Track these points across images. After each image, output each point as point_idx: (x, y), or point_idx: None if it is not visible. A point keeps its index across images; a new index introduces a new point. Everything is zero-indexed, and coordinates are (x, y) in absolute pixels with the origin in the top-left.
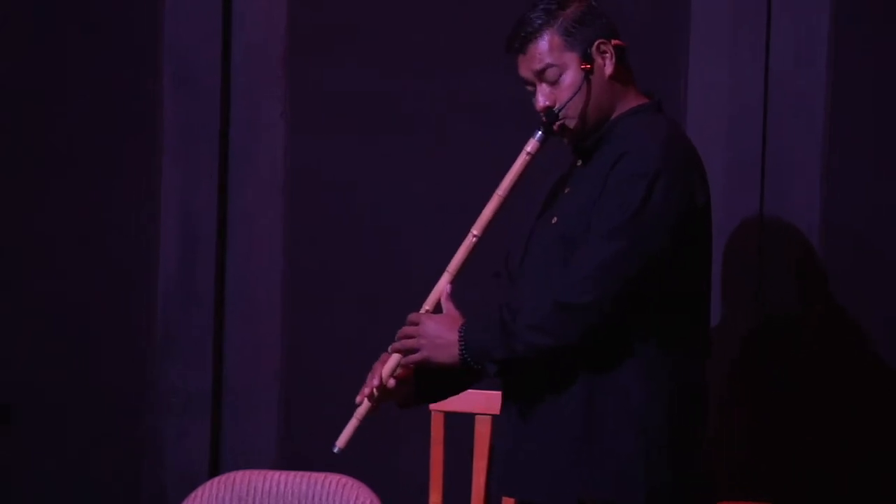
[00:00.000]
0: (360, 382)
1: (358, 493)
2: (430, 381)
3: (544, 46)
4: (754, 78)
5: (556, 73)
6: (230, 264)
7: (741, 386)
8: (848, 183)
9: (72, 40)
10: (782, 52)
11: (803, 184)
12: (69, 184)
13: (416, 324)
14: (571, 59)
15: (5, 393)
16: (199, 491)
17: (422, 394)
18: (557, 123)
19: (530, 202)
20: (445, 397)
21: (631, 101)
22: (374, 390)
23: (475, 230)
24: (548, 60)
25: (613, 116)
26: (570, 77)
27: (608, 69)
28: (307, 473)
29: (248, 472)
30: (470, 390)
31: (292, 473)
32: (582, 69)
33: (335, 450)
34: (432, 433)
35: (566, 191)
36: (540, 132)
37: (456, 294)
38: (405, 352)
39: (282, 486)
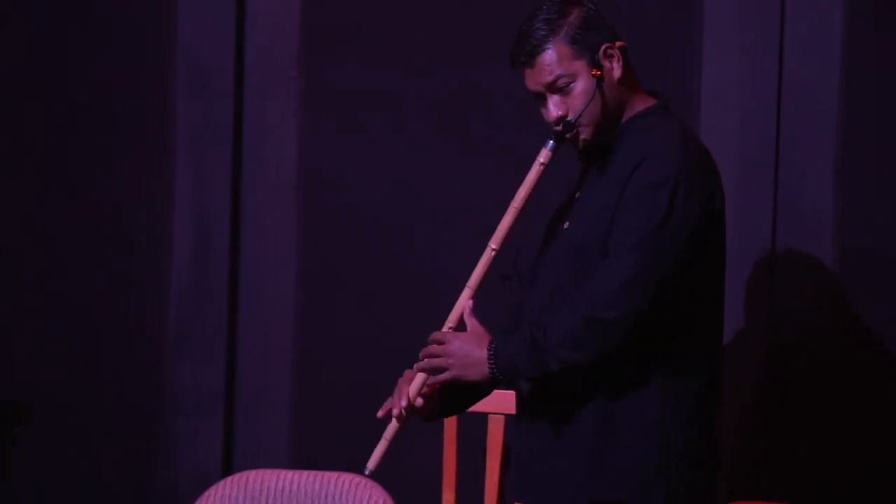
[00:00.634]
0: (373, 382)
1: (371, 493)
2: (453, 395)
3: (552, 57)
4: (768, 76)
5: (566, 82)
6: (243, 264)
7: (754, 386)
8: (862, 181)
9: (86, 41)
10: (796, 50)
11: (817, 182)
12: (82, 184)
13: (442, 342)
14: (581, 66)
15: (18, 391)
16: (212, 490)
17: (446, 408)
18: (571, 133)
19: (534, 205)
20: (467, 409)
21: (639, 103)
22: (403, 410)
23: (493, 244)
24: (558, 72)
25: (623, 119)
26: (582, 85)
27: (616, 73)
28: (320, 473)
29: (260, 472)
30: None
31: (305, 473)
32: (593, 76)
33: (366, 472)
34: (445, 432)
35: (578, 196)
36: (552, 142)
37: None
38: (432, 371)
39: (295, 486)
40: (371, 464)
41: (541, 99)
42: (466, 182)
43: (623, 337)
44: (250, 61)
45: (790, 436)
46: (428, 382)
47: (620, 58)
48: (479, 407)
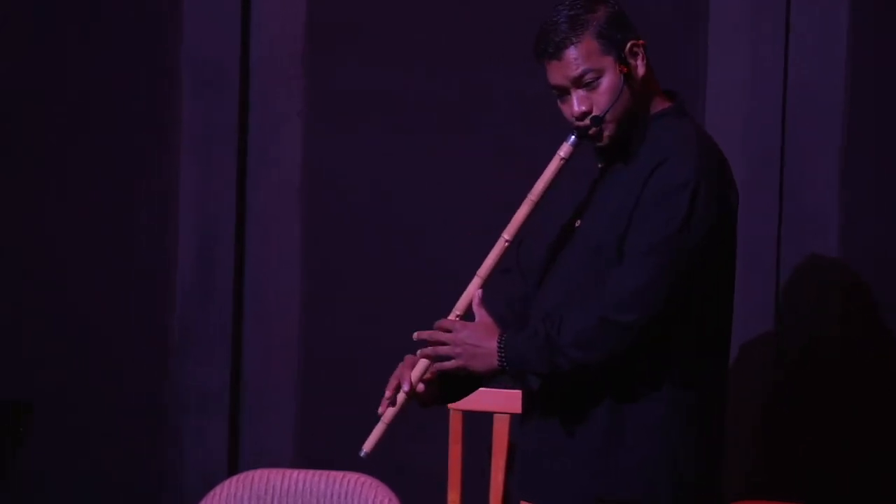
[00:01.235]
0: (377, 381)
1: (376, 492)
2: (452, 382)
3: (581, 51)
4: (772, 76)
5: (593, 77)
6: (248, 263)
7: (757, 385)
8: (867, 181)
9: (89, 41)
10: (801, 51)
11: (822, 182)
12: (87, 184)
13: (450, 330)
14: (608, 62)
15: (24, 390)
16: (218, 489)
17: (444, 395)
18: (595, 129)
19: (545, 200)
20: (463, 397)
21: (658, 103)
22: (406, 394)
23: (506, 234)
24: (585, 66)
25: (643, 119)
26: (608, 81)
27: (641, 70)
28: (326, 472)
29: (266, 471)
30: (489, 389)
31: (311, 472)
32: (620, 72)
33: (362, 454)
34: (451, 432)
35: (593, 194)
36: (573, 136)
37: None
38: (436, 358)
39: (300, 485)
40: (367, 446)
41: (563, 93)
42: (469, 182)
43: (636, 340)
44: (255, 60)
45: (790, 436)
46: (431, 369)
47: (644, 56)
48: (484, 406)
